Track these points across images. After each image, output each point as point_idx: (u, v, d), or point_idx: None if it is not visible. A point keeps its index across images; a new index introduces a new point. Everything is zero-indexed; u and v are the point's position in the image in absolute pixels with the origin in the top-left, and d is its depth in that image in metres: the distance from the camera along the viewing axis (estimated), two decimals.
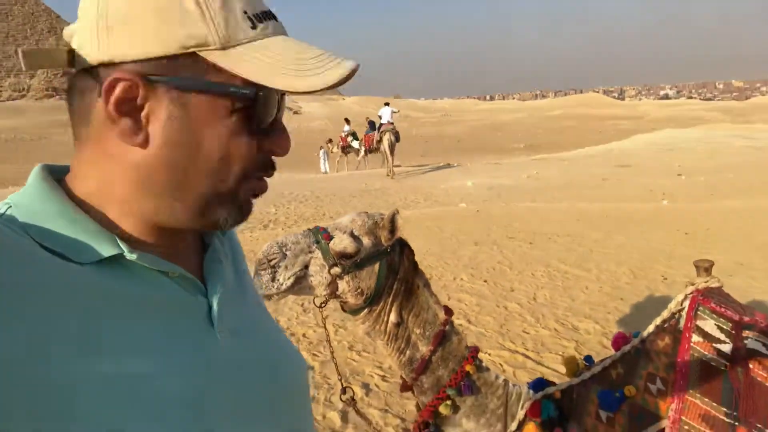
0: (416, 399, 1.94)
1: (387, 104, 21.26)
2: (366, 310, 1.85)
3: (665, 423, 1.75)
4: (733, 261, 6.71)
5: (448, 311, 1.92)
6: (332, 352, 2.01)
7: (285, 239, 1.80)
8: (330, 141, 24.79)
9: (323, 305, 1.84)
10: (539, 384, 2.04)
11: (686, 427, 1.70)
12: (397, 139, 19.95)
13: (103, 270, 0.69)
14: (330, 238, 1.79)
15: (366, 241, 1.81)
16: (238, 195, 0.77)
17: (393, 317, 1.84)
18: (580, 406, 1.91)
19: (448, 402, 1.85)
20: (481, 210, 11.00)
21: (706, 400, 1.71)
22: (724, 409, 1.69)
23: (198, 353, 0.73)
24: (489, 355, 4.46)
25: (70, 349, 0.62)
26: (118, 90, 0.68)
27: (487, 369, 1.95)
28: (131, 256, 0.70)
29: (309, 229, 1.84)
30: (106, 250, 0.69)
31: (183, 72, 0.70)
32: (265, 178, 0.80)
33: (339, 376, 2.01)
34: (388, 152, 19.46)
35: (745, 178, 14.87)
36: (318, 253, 1.78)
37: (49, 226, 0.68)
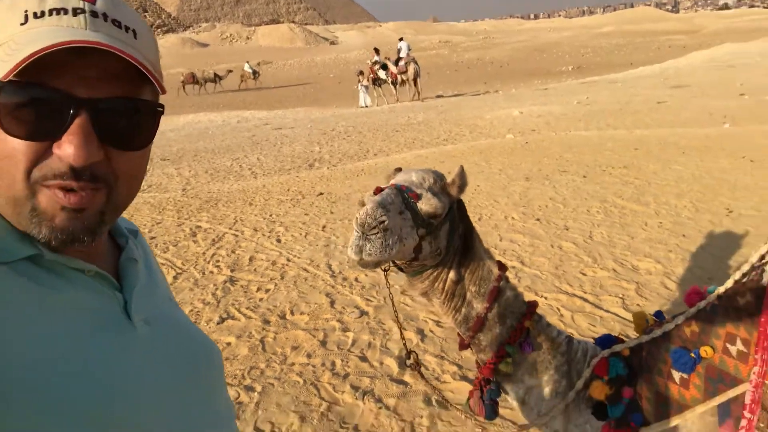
0: (475, 356, 1.91)
1: (401, 39, 24.59)
2: (430, 270, 1.80)
3: (746, 387, 1.67)
4: None
5: (502, 267, 1.86)
6: (397, 317, 1.97)
7: (384, 199, 1.64)
8: (361, 73, 24.20)
9: (388, 269, 1.79)
10: (606, 340, 1.99)
11: None
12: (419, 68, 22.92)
13: (22, 268, 0.74)
14: (417, 197, 1.68)
15: (444, 199, 1.73)
16: (37, 205, 0.74)
17: (452, 275, 1.78)
18: (651, 365, 1.84)
19: (509, 359, 1.82)
20: (530, 141, 10.68)
21: None
22: None
23: (118, 340, 0.81)
24: (545, 298, 4.39)
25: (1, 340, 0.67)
26: None
27: (548, 325, 1.90)
28: (50, 256, 0.76)
29: (395, 188, 1.71)
30: (26, 250, 0.74)
31: None
32: (78, 189, 0.75)
33: (403, 341, 1.99)
34: (413, 82, 22.13)
35: None
36: (408, 214, 1.66)
37: None
